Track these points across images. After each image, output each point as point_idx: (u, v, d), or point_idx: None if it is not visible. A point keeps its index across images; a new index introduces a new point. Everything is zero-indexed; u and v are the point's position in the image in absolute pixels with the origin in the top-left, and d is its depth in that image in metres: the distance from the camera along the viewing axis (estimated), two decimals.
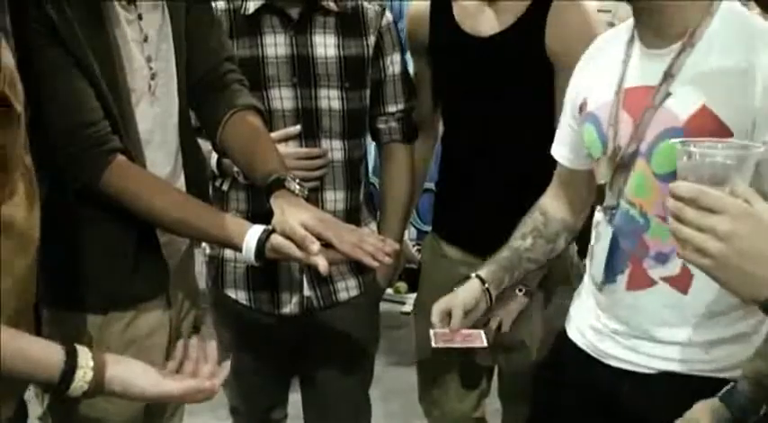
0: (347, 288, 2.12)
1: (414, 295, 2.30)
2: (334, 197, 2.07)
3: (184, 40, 1.69)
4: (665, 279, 1.54)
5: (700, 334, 1.55)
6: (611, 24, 3.82)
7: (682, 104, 1.46)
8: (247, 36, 1.99)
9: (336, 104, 2.02)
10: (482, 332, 1.81)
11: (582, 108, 1.67)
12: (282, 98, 2.00)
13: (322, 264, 1.53)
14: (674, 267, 1.53)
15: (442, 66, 2.15)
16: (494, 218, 2.05)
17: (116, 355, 1.35)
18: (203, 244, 2.18)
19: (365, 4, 2.06)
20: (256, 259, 1.57)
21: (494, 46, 2.04)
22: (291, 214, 1.58)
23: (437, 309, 1.77)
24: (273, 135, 1.98)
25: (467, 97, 2.13)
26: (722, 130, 1.40)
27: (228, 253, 2.08)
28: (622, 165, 1.55)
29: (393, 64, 2.09)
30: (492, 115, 2.09)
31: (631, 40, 1.57)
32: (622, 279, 1.60)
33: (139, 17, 1.59)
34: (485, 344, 1.80)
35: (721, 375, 1.50)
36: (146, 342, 1.66)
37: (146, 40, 1.60)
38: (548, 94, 2.02)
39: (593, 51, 1.72)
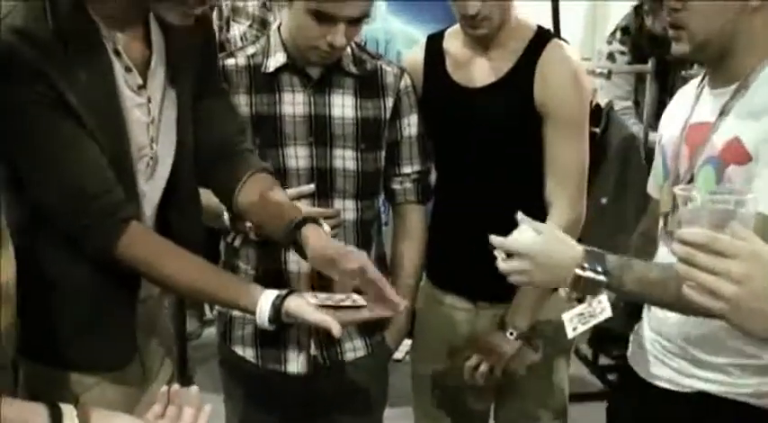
0: (354, 349, 2.11)
1: (405, 342, 2.31)
2: None
3: (189, 123, 1.71)
4: None
5: (734, 358, 1.64)
6: (592, 72, 3.95)
7: (721, 136, 1.63)
8: (266, 93, 2.00)
9: (351, 165, 2.03)
10: None
11: (659, 142, 1.86)
12: (298, 156, 2.01)
13: (336, 328, 1.53)
14: None
15: (434, 116, 2.17)
16: (488, 265, 2.08)
17: (101, 409, 1.34)
18: None
19: (385, 66, 2.08)
20: (270, 323, 1.57)
21: (485, 97, 2.11)
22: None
23: None
24: (287, 192, 1.99)
25: (459, 147, 2.17)
26: (745, 156, 1.57)
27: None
28: None
29: (410, 125, 2.10)
30: (483, 165, 2.15)
31: (702, 84, 1.76)
32: None
33: (149, 100, 1.61)
34: None
35: (752, 402, 1.64)
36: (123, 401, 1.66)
37: (152, 122, 1.63)
38: (538, 145, 2.09)
39: (676, 96, 1.91)
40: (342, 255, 1.62)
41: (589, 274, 1.53)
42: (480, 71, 2.12)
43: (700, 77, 1.80)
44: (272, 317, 1.56)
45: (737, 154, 1.58)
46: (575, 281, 1.54)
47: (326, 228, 1.70)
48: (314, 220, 1.69)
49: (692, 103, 1.76)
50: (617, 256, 1.57)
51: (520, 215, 1.62)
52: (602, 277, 1.53)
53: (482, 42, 2.11)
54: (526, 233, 1.59)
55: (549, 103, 2.06)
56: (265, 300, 1.57)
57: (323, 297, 1.62)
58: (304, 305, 1.57)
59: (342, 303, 1.62)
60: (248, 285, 1.66)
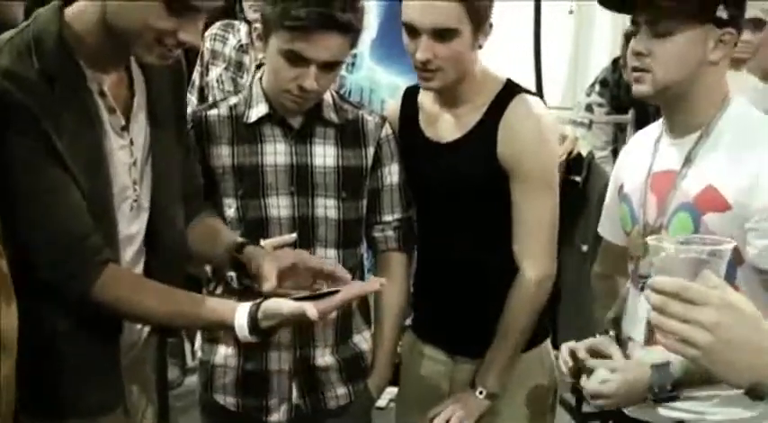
0: (337, 396, 2.11)
1: (389, 389, 2.31)
2: None
3: (171, 166, 1.75)
4: None
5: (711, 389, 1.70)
6: (573, 122, 4.06)
7: (693, 184, 1.71)
8: (247, 144, 2.02)
9: (333, 214, 2.04)
10: None
11: (620, 190, 1.93)
12: (280, 206, 2.02)
13: (311, 311, 1.59)
14: None
15: (407, 168, 2.17)
16: (465, 318, 2.14)
17: None
18: (196, 346, 2.18)
19: (366, 115, 2.10)
20: (251, 333, 1.60)
21: (451, 152, 2.10)
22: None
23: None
24: (268, 242, 2.00)
25: (432, 200, 2.17)
26: (724, 205, 1.66)
27: (219, 358, 2.08)
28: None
29: (391, 174, 2.12)
30: (456, 219, 2.13)
31: (660, 134, 1.85)
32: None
33: (131, 142, 1.64)
34: None
35: None
36: None
37: (134, 163, 1.65)
38: (508, 200, 2.06)
39: (631, 144, 2.01)
40: (277, 255, 1.78)
41: (663, 397, 1.71)
42: (448, 126, 2.11)
43: (655, 128, 1.88)
44: (250, 325, 1.59)
45: (715, 202, 1.66)
46: (656, 402, 1.73)
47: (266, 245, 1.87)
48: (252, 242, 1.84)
49: (651, 151, 1.84)
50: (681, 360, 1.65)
51: (591, 362, 1.84)
52: (674, 393, 1.70)
53: (446, 97, 2.09)
54: (603, 375, 1.80)
55: (512, 160, 2.02)
56: (242, 309, 1.61)
57: (298, 295, 1.70)
58: (279, 301, 1.62)
59: (317, 293, 1.70)
60: (226, 302, 1.71)
